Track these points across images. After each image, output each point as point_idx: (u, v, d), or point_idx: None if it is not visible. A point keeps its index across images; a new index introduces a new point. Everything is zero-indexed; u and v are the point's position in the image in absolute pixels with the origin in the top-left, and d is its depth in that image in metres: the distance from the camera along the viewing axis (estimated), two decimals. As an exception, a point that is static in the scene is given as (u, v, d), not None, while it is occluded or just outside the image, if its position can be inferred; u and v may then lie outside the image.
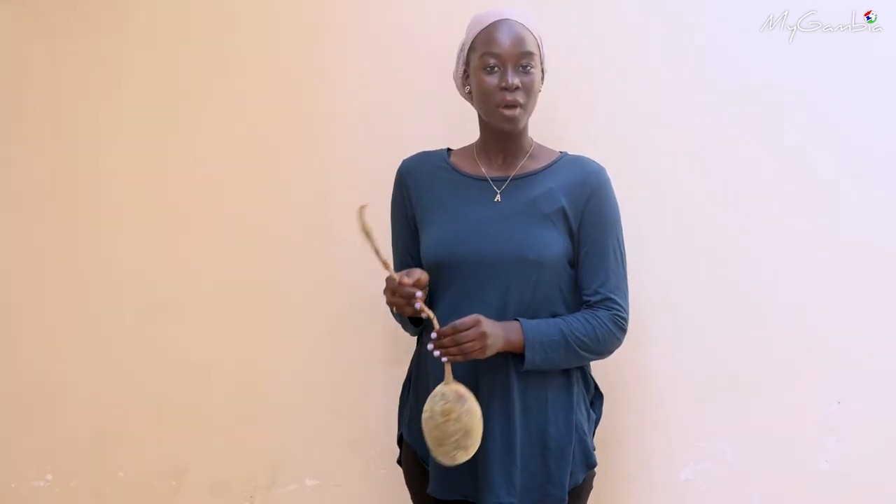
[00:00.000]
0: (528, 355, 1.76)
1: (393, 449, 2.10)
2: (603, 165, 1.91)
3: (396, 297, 1.73)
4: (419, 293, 1.71)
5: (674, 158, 2.26)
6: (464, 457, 1.69)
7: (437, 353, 1.71)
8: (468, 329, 1.71)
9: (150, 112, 2.33)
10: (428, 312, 1.71)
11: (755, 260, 2.26)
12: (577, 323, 1.81)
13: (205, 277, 2.34)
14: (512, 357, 1.80)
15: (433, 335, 1.72)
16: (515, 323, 1.78)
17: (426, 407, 1.70)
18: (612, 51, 2.27)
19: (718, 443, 2.26)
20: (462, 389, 1.70)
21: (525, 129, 1.90)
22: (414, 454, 1.92)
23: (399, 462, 2.02)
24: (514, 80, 1.78)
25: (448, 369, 1.71)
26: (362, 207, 1.68)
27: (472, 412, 1.68)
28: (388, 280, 1.73)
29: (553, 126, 2.18)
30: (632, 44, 2.26)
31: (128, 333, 2.34)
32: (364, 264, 2.20)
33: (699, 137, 2.25)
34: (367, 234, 1.68)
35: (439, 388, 1.70)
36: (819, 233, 2.25)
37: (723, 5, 2.25)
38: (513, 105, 1.79)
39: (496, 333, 1.74)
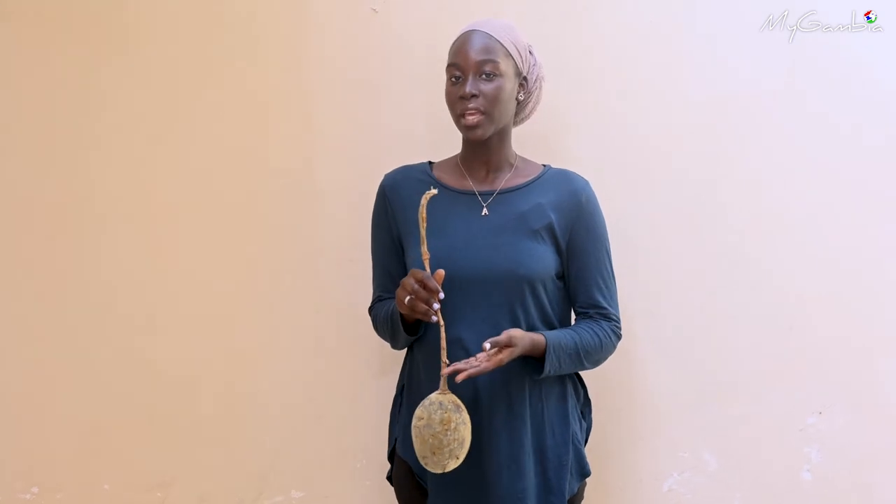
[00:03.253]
0: (547, 365, 1.77)
1: (379, 461, 2.10)
2: (587, 179, 1.92)
3: (420, 291, 1.69)
4: (442, 294, 1.70)
5: (666, 164, 2.27)
6: (454, 465, 1.69)
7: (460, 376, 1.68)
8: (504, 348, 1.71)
9: (137, 121, 2.32)
10: (439, 318, 1.70)
11: (739, 271, 2.27)
12: (587, 334, 1.84)
13: (191, 289, 2.33)
14: (512, 370, 1.79)
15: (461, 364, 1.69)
16: (539, 335, 1.78)
17: (420, 413, 1.69)
18: (605, 51, 2.27)
19: (701, 453, 2.28)
20: (457, 399, 1.70)
21: (506, 140, 1.90)
22: (408, 469, 1.90)
23: (388, 478, 2.00)
24: (471, 88, 1.78)
25: (444, 378, 1.70)
26: (429, 195, 1.70)
27: (466, 423, 1.69)
28: (414, 272, 1.71)
29: (544, 131, 2.19)
30: (628, 44, 2.26)
31: (114, 345, 2.33)
32: (350, 275, 2.26)
33: (695, 139, 2.26)
34: (422, 220, 1.70)
35: (435, 397, 1.69)
36: (808, 240, 2.26)
37: (722, 5, 2.25)
38: (471, 113, 1.78)
39: (524, 341, 1.74)
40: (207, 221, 2.33)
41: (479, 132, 1.80)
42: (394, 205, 1.91)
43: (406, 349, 1.96)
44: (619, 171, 2.25)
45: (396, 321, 1.82)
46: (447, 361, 1.70)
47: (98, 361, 2.34)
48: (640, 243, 2.26)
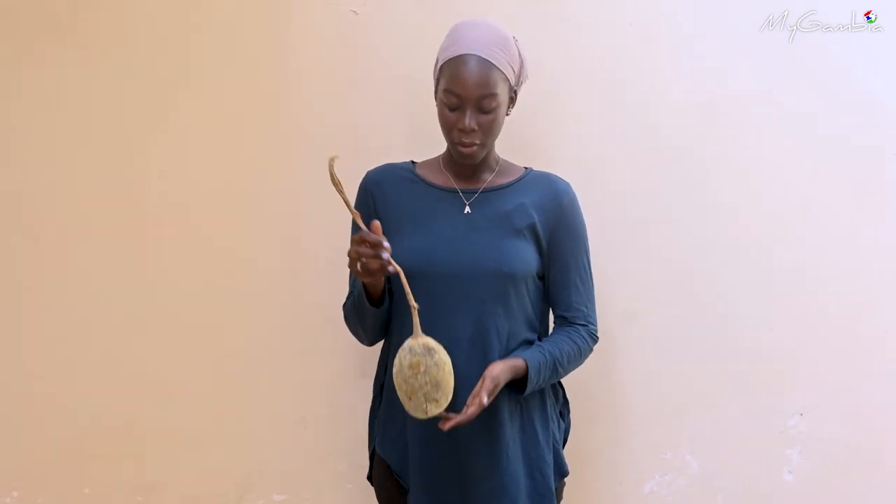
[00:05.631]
0: (529, 387, 1.78)
1: (361, 463, 2.10)
2: (568, 181, 1.91)
3: (366, 250, 1.63)
4: (386, 243, 1.63)
5: (662, 164, 2.24)
6: (435, 410, 1.67)
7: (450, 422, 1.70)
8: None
9: (120, 124, 2.24)
10: (395, 266, 1.64)
11: (721, 273, 2.26)
12: (566, 346, 1.85)
13: (173, 294, 2.28)
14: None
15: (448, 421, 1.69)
16: (520, 360, 1.77)
17: (394, 361, 1.69)
18: (604, 51, 2.22)
19: (683, 455, 2.30)
20: (431, 342, 1.67)
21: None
22: (387, 468, 1.91)
23: (369, 478, 2.01)
24: (472, 123, 1.76)
25: (416, 322, 1.67)
26: (332, 159, 1.61)
27: (440, 364, 1.66)
28: (352, 238, 1.65)
29: (536, 132, 2.17)
30: (627, 44, 2.22)
31: (96, 349, 2.29)
32: (331, 278, 2.22)
33: (695, 139, 2.24)
34: (337, 186, 1.62)
35: (408, 342, 1.68)
36: (793, 241, 2.25)
37: (722, 5, 2.22)
38: (469, 145, 1.77)
39: (506, 374, 1.74)
40: (190, 225, 2.27)
41: (472, 160, 1.82)
42: (376, 199, 1.89)
43: (383, 348, 1.95)
44: (612, 172, 2.23)
45: (361, 295, 1.78)
46: (416, 305, 1.66)
47: (79, 364, 2.30)
48: (621, 244, 2.25)
